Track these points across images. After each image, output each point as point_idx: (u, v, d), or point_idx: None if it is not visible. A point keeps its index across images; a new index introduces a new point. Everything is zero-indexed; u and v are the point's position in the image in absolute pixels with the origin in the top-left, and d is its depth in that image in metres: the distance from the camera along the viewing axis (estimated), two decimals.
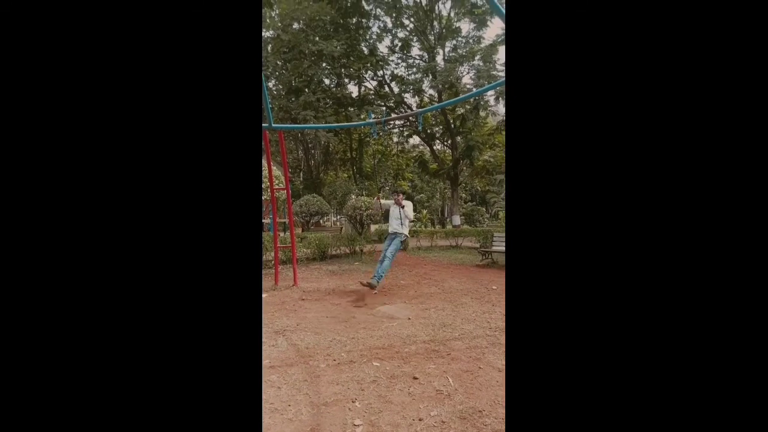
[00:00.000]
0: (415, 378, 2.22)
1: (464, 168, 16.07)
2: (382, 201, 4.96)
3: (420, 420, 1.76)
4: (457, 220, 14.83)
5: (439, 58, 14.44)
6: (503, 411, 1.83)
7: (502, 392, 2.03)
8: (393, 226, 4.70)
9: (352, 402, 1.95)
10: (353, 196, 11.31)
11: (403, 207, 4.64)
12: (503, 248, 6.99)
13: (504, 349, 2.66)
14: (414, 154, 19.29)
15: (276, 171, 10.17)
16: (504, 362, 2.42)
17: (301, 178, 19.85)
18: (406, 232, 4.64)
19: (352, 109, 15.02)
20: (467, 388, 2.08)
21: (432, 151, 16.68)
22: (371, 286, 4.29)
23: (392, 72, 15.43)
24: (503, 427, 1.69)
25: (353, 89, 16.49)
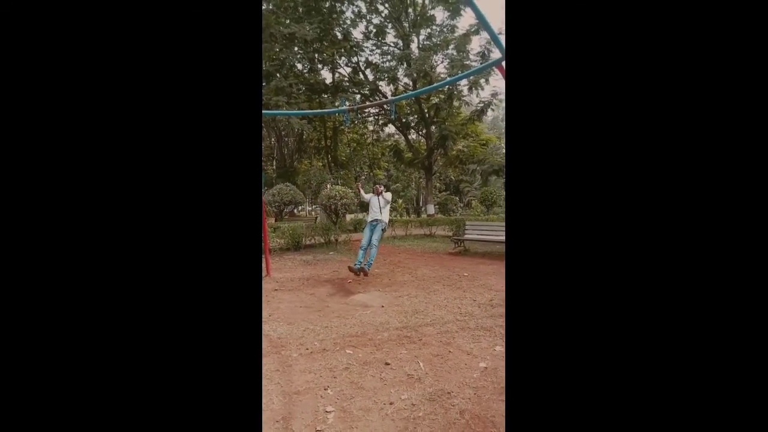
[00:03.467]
0: (387, 364, 2.27)
1: (438, 158, 16.24)
2: (361, 192, 5.07)
3: (391, 404, 1.81)
4: (431, 209, 15.04)
5: (414, 46, 14.34)
6: (470, 391, 1.92)
7: (470, 374, 2.12)
8: (373, 214, 4.75)
9: (324, 389, 1.97)
10: (328, 186, 11.15)
11: (381, 193, 4.77)
12: (475, 236, 7.20)
13: (472, 334, 2.77)
14: (389, 143, 19.24)
15: None
16: (472, 345, 2.53)
17: (274, 167, 19.29)
18: (386, 219, 4.72)
19: (325, 96, 14.66)
20: (437, 372, 2.16)
21: (407, 140, 16.69)
22: (364, 272, 4.38)
23: (367, 59, 15.17)
24: (470, 407, 1.77)
25: (327, 75, 16.06)
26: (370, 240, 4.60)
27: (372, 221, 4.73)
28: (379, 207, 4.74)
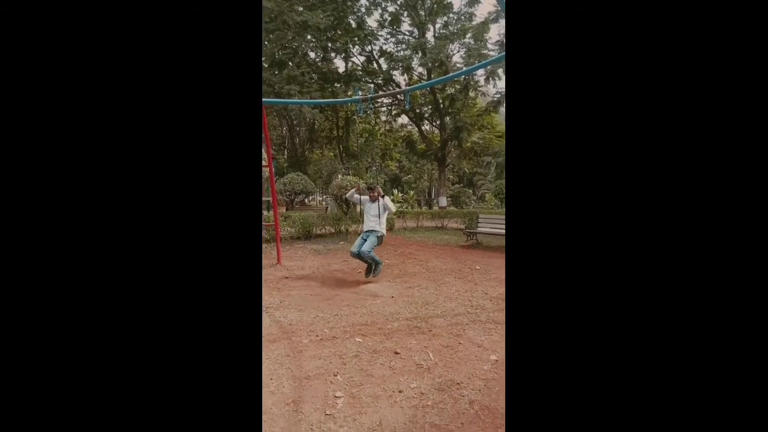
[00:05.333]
0: (397, 353, 2.27)
1: (452, 149, 16.01)
2: (352, 192, 4.32)
3: (400, 392, 1.81)
4: (443, 201, 14.90)
5: (430, 35, 14.04)
6: (480, 383, 1.90)
7: (480, 366, 2.10)
8: (369, 223, 3.98)
9: (334, 375, 1.98)
10: (339, 176, 11.14)
11: (383, 197, 4.05)
12: (488, 230, 7.10)
13: (483, 326, 2.75)
14: (402, 134, 19.05)
15: None
16: (483, 338, 2.51)
17: (285, 156, 19.39)
18: (383, 230, 4.01)
19: (338, 85, 14.56)
20: (447, 362, 2.14)
21: (420, 131, 16.49)
22: (376, 268, 3.94)
23: (381, 48, 14.94)
24: (479, 398, 1.76)
25: (340, 64, 15.91)
26: (359, 250, 3.87)
27: (366, 232, 3.96)
28: (378, 214, 3.95)
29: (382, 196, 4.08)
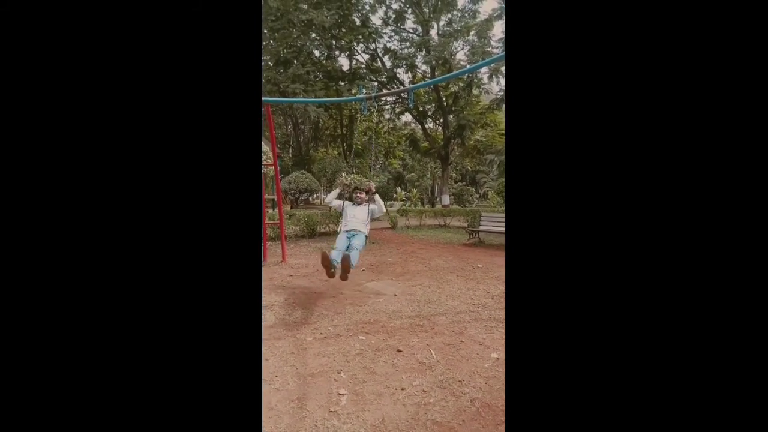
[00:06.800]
0: (399, 351, 2.30)
1: (455, 147, 15.97)
2: (330, 197, 3.54)
3: (402, 389, 1.85)
4: (446, 199, 14.89)
5: (433, 33, 13.97)
6: (482, 381, 1.93)
7: (482, 364, 2.13)
8: (353, 224, 3.27)
9: (338, 373, 2.02)
10: (344, 174, 11.19)
11: (373, 193, 3.40)
12: (491, 228, 7.11)
13: (485, 325, 2.77)
14: (405, 132, 19.03)
15: (264, 146, 9.94)
16: (485, 336, 2.53)
17: (290, 154, 19.46)
18: (367, 232, 3.33)
19: (342, 84, 14.56)
20: (449, 360, 2.17)
21: (423, 129, 16.46)
22: (344, 269, 2.89)
23: (385, 46, 14.91)
24: (481, 396, 1.79)
25: (344, 62, 15.92)
26: (348, 246, 3.14)
27: (351, 230, 3.25)
28: (366, 219, 3.28)
29: (373, 192, 3.38)
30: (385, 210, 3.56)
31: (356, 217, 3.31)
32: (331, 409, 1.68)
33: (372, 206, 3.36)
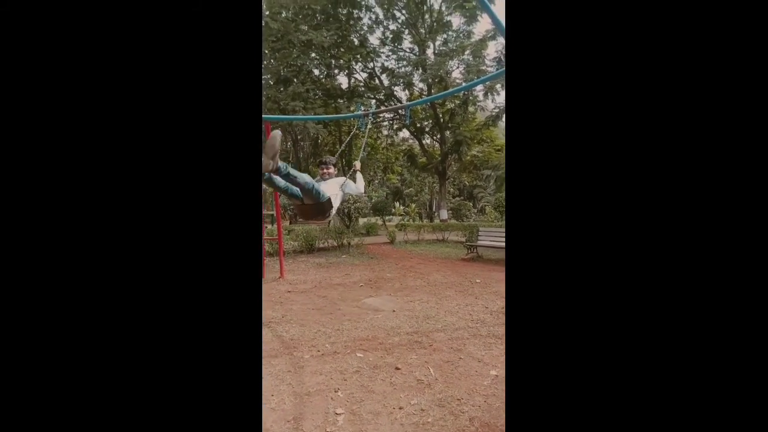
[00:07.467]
0: (397, 368, 2.27)
1: (452, 162, 16.16)
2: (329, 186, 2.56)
3: (400, 408, 1.82)
4: (444, 214, 14.95)
5: (430, 52, 14.39)
6: (481, 399, 1.91)
7: (480, 381, 2.10)
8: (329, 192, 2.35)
9: (335, 392, 1.99)
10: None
11: (356, 171, 2.83)
12: (488, 242, 7.12)
13: (483, 341, 2.75)
14: (403, 148, 19.27)
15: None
16: (483, 353, 2.51)
17: None
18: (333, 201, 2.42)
19: (341, 101, 14.85)
20: (447, 378, 2.15)
21: (421, 145, 16.70)
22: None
23: (383, 64, 15.31)
24: (480, 414, 1.76)
25: (343, 81, 16.26)
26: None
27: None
28: (337, 192, 2.48)
29: (355, 171, 2.79)
30: (362, 190, 2.91)
31: (327, 190, 2.43)
32: (328, 429, 1.65)
33: (346, 180, 2.65)
